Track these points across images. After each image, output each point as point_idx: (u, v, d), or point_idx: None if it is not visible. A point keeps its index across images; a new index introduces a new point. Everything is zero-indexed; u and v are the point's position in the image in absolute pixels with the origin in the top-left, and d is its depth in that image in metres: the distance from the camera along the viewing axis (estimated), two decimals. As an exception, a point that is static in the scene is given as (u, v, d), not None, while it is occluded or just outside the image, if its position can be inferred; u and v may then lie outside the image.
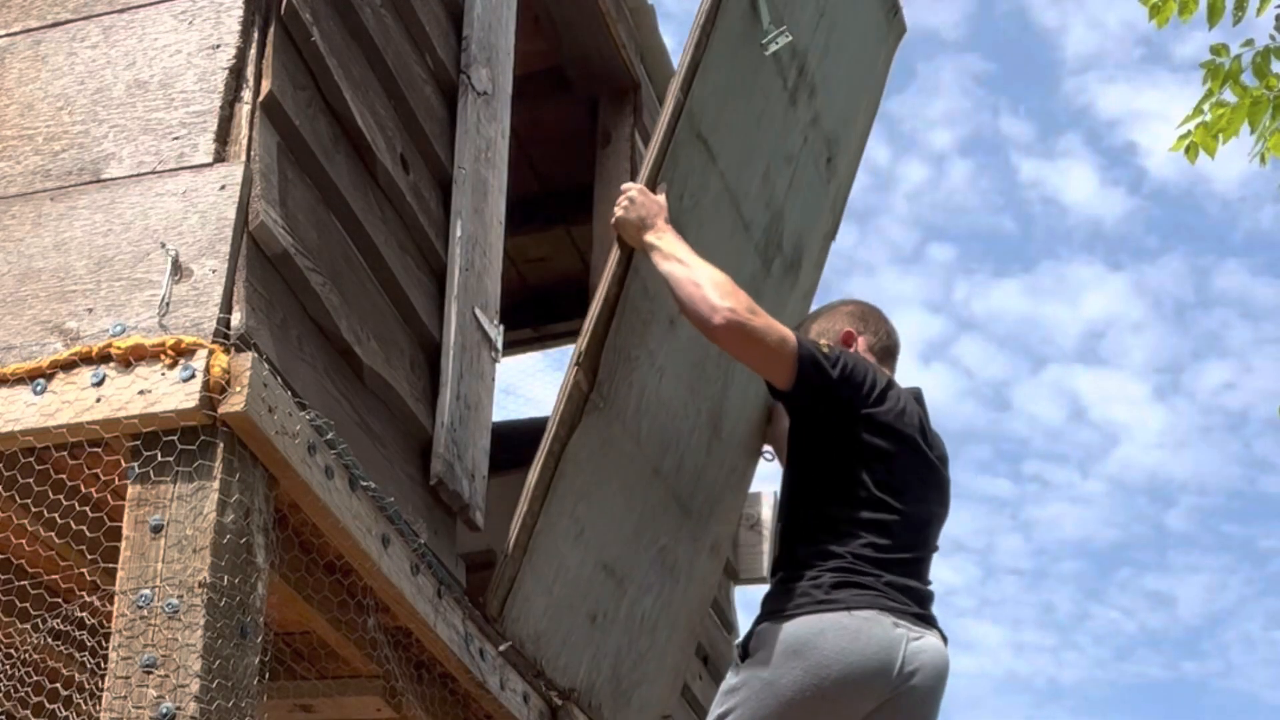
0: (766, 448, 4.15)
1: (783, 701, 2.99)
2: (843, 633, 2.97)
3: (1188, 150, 4.11)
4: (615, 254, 3.34)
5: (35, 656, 2.77)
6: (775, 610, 3.06)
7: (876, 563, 3.05)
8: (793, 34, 3.75)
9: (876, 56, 4.46)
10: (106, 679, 2.34)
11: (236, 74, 2.67)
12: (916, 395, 3.37)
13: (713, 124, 3.57)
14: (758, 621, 3.11)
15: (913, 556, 3.13)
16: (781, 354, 3.09)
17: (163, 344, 2.45)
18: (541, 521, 3.23)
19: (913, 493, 3.17)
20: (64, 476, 2.58)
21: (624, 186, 3.34)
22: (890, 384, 3.27)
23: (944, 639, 3.13)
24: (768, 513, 4.85)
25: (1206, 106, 4.08)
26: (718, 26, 3.49)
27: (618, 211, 3.27)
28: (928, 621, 3.09)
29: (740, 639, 3.17)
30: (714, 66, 3.52)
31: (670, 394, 3.63)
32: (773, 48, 3.71)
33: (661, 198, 3.32)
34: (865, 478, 3.12)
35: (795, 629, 3.00)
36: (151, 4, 2.80)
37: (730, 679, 3.11)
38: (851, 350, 3.37)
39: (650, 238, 3.22)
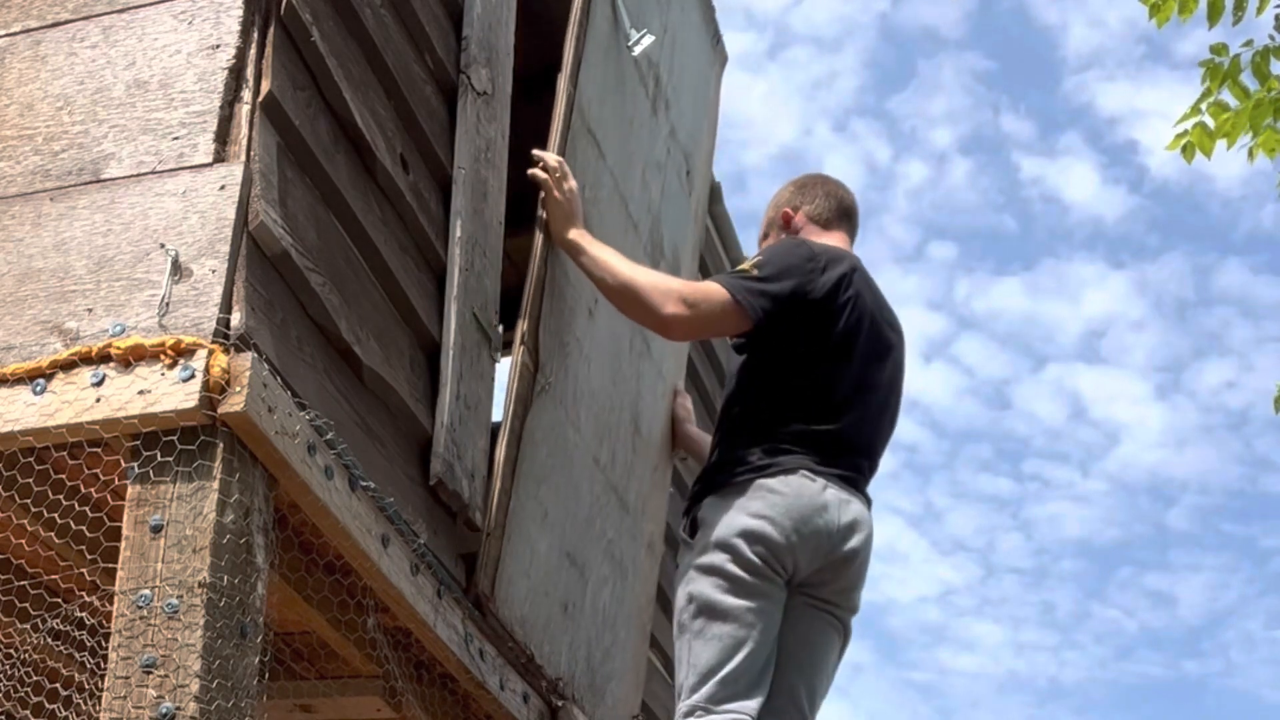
0: (678, 449, 4.27)
1: (743, 563, 3.13)
2: (784, 487, 3.16)
3: (1184, 150, 4.11)
4: (540, 236, 3.46)
5: (35, 656, 2.77)
6: (716, 484, 3.22)
7: (805, 435, 3.22)
8: (639, 49, 3.94)
9: (709, 81, 4.68)
10: (106, 679, 2.34)
11: (236, 74, 2.67)
12: (859, 267, 3.44)
13: (598, 120, 3.73)
14: (698, 498, 3.25)
15: (841, 425, 3.26)
16: (729, 313, 3.21)
17: (162, 344, 2.45)
18: (513, 501, 3.29)
19: (852, 359, 3.29)
20: (64, 476, 2.58)
21: (554, 162, 3.43)
22: (830, 257, 3.35)
23: (868, 503, 3.33)
24: None
25: (1204, 106, 4.09)
26: (590, 25, 3.61)
27: (555, 195, 3.40)
28: (853, 485, 3.28)
29: (684, 521, 3.29)
30: (591, 64, 3.68)
31: (598, 384, 3.76)
32: (638, 49, 3.87)
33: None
34: (803, 360, 3.25)
35: (741, 495, 3.17)
36: (151, 4, 2.80)
37: (685, 560, 3.24)
38: (789, 230, 3.55)
39: (573, 237, 3.39)
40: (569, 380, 3.60)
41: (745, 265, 3.31)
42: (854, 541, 3.24)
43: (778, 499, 3.16)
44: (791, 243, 3.39)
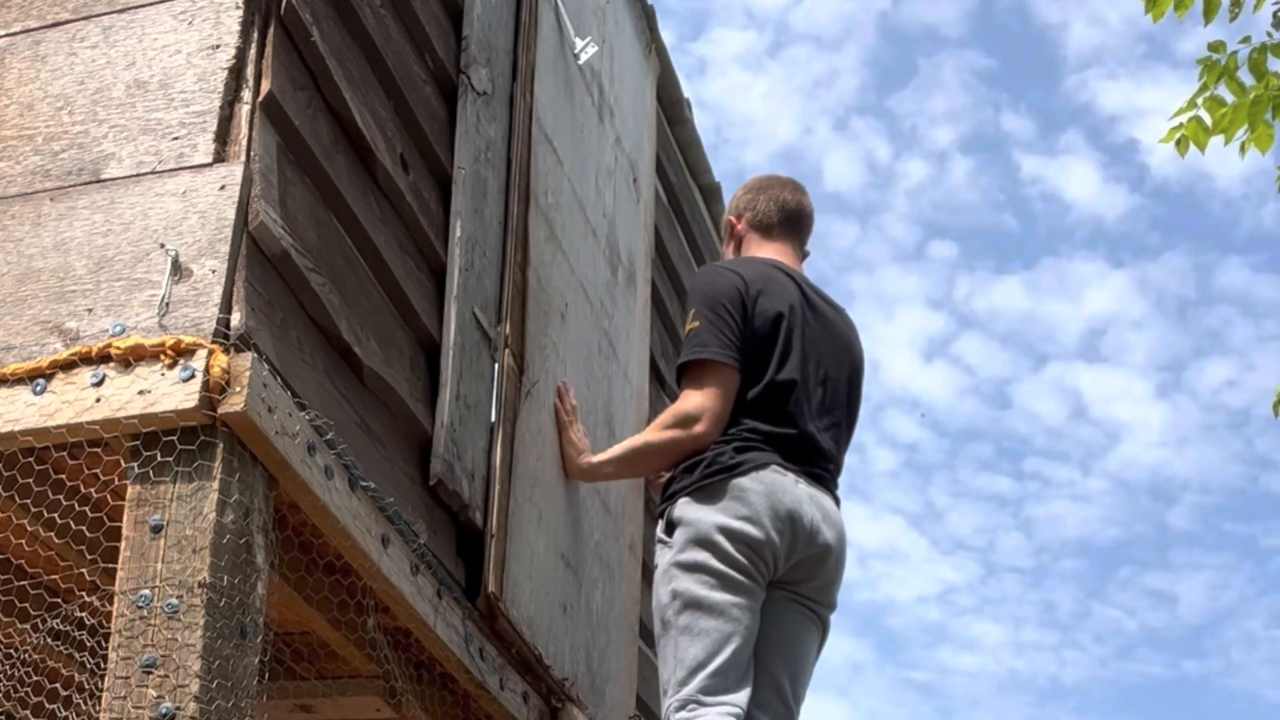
0: None
1: (727, 560, 3.17)
2: (757, 485, 3.21)
3: (1178, 143, 4.12)
4: (514, 239, 3.49)
5: (35, 656, 2.77)
6: (688, 485, 3.26)
7: (768, 435, 3.28)
8: (585, 57, 4.01)
9: (645, 91, 4.78)
10: (106, 679, 2.34)
11: (236, 74, 2.67)
12: (785, 270, 3.51)
13: (553, 128, 3.82)
14: (671, 499, 3.29)
15: (800, 432, 3.32)
16: (719, 375, 3.30)
17: (162, 344, 2.45)
18: (511, 503, 3.31)
19: (797, 365, 3.35)
20: (64, 476, 2.58)
21: (570, 405, 3.67)
22: (753, 274, 3.42)
23: (837, 503, 3.39)
24: None
25: (1200, 101, 4.09)
26: (538, 35, 3.65)
27: (570, 434, 3.63)
28: (823, 482, 3.34)
29: (661, 522, 3.32)
30: (543, 73, 3.69)
31: (574, 386, 3.81)
32: (584, 57, 3.95)
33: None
34: (755, 370, 3.32)
35: (716, 494, 3.22)
36: (151, 4, 2.80)
37: (663, 558, 3.26)
38: (732, 237, 3.65)
39: (587, 465, 3.60)
40: (549, 382, 3.63)
41: (687, 328, 3.38)
42: (828, 535, 3.28)
43: (753, 496, 3.19)
44: (709, 276, 3.45)
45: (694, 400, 3.29)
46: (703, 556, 3.16)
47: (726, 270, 3.43)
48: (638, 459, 3.50)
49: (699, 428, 3.28)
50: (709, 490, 3.22)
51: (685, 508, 3.23)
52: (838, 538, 3.32)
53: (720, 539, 3.16)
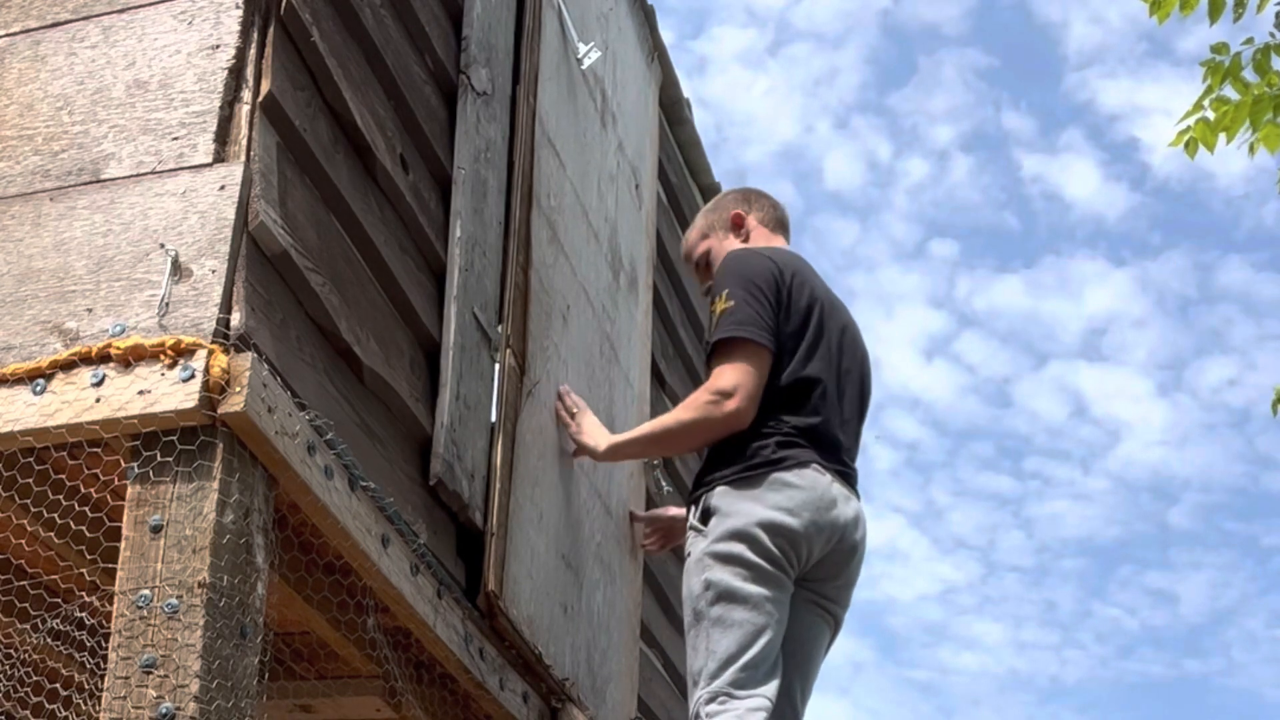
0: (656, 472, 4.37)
1: (763, 553, 3.17)
2: (800, 481, 3.22)
3: (1187, 146, 4.13)
4: (517, 240, 3.49)
5: (35, 656, 2.77)
6: (726, 475, 3.25)
7: (804, 430, 3.29)
8: (588, 62, 4.02)
9: (647, 99, 4.80)
10: (106, 679, 2.34)
11: (236, 74, 2.67)
12: (805, 261, 3.54)
13: (555, 132, 3.83)
14: (708, 487, 3.27)
15: (829, 425, 3.34)
16: (754, 355, 3.27)
17: (162, 344, 2.45)
18: (511, 502, 3.31)
19: (825, 358, 3.37)
20: (64, 476, 2.58)
21: (570, 402, 3.66)
22: (784, 261, 3.43)
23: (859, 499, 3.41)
24: None
25: (1207, 103, 4.10)
26: (541, 39, 3.67)
27: (576, 429, 3.63)
28: (849, 480, 3.37)
29: (696, 510, 3.30)
30: (546, 77, 3.71)
31: (575, 388, 3.82)
32: (587, 62, 3.98)
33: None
34: (787, 361, 3.33)
35: (757, 487, 3.22)
36: (151, 4, 2.80)
37: (696, 546, 3.24)
38: (739, 231, 3.64)
39: (608, 447, 3.57)
40: (550, 383, 3.63)
41: (719, 307, 3.33)
42: (856, 535, 3.32)
43: (795, 492, 3.20)
44: (744, 259, 3.41)
45: (729, 376, 3.25)
46: (739, 549, 3.16)
47: (761, 255, 3.42)
48: (666, 438, 3.45)
49: (732, 404, 3.23)
50: (750, 482, 3.21)
51: (724, 497, 3.22)
52: (863, 537, 3.36)
53: (759, 532, 3.16)
